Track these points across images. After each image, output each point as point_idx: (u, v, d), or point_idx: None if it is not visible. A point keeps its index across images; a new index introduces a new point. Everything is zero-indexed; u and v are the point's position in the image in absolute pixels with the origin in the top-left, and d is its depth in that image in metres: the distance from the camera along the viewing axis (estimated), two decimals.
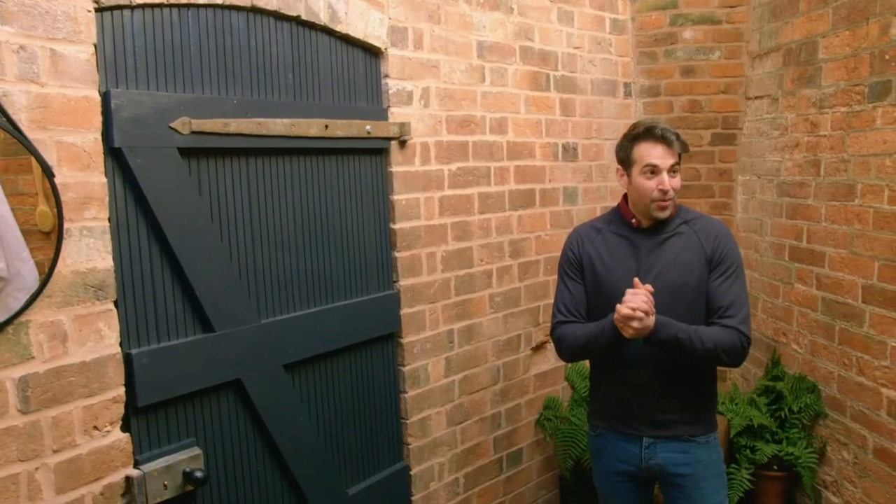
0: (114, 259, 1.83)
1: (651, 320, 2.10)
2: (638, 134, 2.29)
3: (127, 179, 1.89)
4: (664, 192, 2.23)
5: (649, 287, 2.13)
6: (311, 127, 2.33)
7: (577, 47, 3.48)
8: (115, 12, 1.85)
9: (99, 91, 1.79)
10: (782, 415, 3.08)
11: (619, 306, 2.11)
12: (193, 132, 2.00)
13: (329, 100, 2.46)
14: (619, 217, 2.41)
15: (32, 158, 1.65)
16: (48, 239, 1.69)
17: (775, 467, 3.06)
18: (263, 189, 2.27)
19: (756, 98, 3.56)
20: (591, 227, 2.48)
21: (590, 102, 3.58)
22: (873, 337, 2.73)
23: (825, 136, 3.00)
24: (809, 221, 3.12)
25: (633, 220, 2.36)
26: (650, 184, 2.24)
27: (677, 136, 2.27)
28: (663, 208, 2.26)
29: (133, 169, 1.88)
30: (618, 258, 2.35)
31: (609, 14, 3.66)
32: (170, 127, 1.95)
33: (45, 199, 1.69)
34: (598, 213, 3.56)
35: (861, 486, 2.83)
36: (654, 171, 2.24)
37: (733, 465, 3.04)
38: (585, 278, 2.40)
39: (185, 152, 2.01)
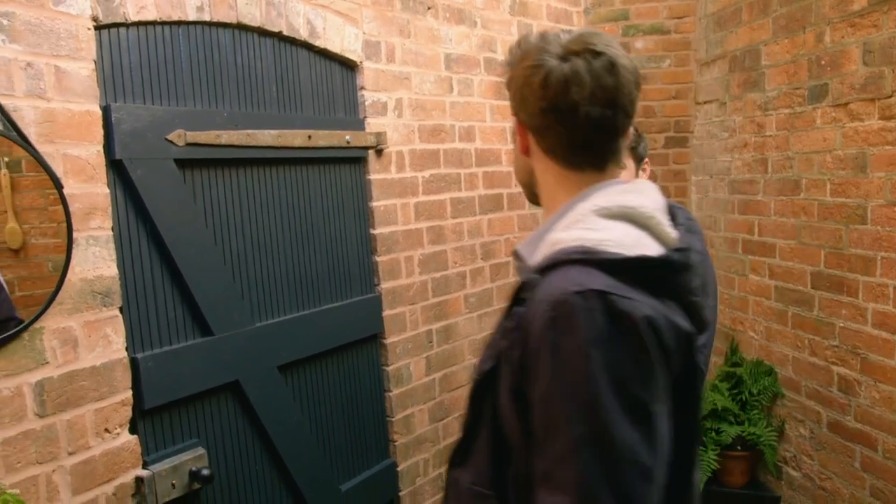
0: (117, 266, 1.90)
1: None
2: None
3: (127, 190, 1.97)
4: None
5: None
6: (295, 138, 2.43)
7: None
8: (112, 30, 1.93)
9: (100, 105, 1.87)
10: (743, 398, 3.27)
11: None
12: (188, 144, 2.08)
13: (311, 111, 2.56)
14: None
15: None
16: (16, 257, 1.72)
17: (739, 447, 3.24)
18: (252, 197, 2.36)
19: (705, 102, 3.78)
20: None
21: None
22: (823, 319, 2.94)
23: (771, 136, 3.22)
24: (760, 216, 3.33)
25: None
26: None
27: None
28: None
29: (133, 180, 1.95)
30: None
31: (565, 26, 3.84)
32: (166, 139, 2.03)
33: (15, 217, 1.71)
34: None
35: (818, 458, 3.03)
36: None
37: (700, 448, 3.21)
38: None
39: (181, 163, 2.09)
